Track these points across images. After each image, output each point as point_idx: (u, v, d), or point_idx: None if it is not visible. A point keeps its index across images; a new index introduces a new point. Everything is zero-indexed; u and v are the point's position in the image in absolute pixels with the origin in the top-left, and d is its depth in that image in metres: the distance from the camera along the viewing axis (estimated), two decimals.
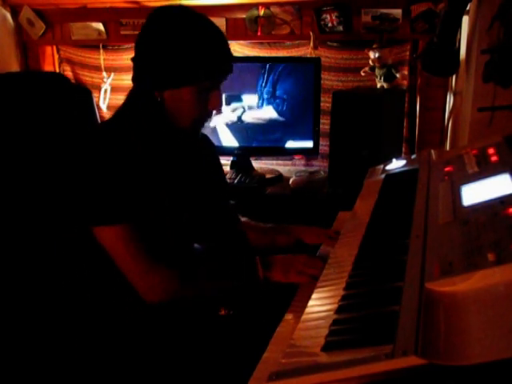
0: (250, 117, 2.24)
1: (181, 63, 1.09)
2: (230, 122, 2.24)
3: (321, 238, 1.28)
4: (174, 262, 1.10)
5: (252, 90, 2.21)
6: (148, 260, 1.07)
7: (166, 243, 1.14)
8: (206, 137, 1.38)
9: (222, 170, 1.44)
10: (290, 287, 1.07)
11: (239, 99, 2.23)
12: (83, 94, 1.57)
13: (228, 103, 2.21)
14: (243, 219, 1.46)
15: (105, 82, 2.48)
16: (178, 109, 1.14)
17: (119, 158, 1.07)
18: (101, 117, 2.37)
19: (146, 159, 1.12)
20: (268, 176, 2.24)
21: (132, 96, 1.17)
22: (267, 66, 2.18)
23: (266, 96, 2.21)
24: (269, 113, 2.23)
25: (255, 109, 2.23)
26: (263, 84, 2.20)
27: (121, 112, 1.17)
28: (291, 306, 0.97)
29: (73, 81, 2.57)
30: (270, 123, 2.23)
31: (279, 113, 2.22)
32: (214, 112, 1.19)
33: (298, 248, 1.32)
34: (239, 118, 2.24)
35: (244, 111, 2.24)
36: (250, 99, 2.22)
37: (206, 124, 1.21)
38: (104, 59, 2.46)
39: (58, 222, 1.25)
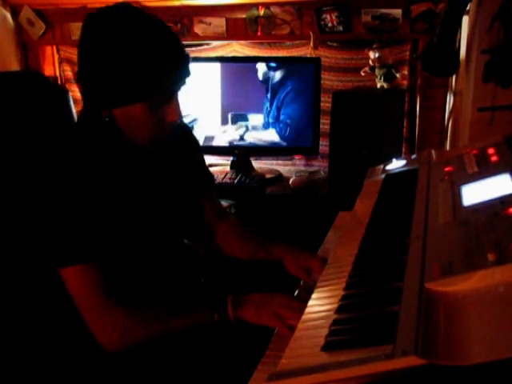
0: (252, 137, 2.25)
1: (125, 78, 0.96)
2: (232, 140, 2.26)
3: (301, 274, 1.12)
4: (134, 301, 1.03)
5: (258, 109, 2.23)
6: (103, 306, 1.00)
7: (128, 281, 1.08)
8: (185, 130, 1.29)
9: (202, 164, 1.35)
10: (289, 286, 1.07)
11: (245, 118, 2.24)
12: (59, 94, 1.50)
13: (234, 121, 2.22)
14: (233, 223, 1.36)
15: None
16: (130, 126, 1.03)
17: (73, 190, 0.99)
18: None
19: (100, 185, 1.02)
20: (268, 176, 2.24)
21: (79, 118, 1.11)
22: (273, 87, 2.18)
23: (271, 120, 2.23)
24: (271, 136, 2.25)
25: (259, 129, 2.25)
26: (268, 106, 2.21)
27: (73, 138, 1.08)
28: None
29: (73, 81, 2.57)
30: (271, 145, 2.25)
31: (281, 137, 2.24)
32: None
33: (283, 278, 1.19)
34: (241, 137, 2.26)
35: (247, 130, 2.25)
36: (255, 119, 2.23)
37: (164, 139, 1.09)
38: None
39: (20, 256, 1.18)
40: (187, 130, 1.33)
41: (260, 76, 2.20)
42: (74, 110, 1.50)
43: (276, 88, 2.19)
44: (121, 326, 1.00)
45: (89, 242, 1.00)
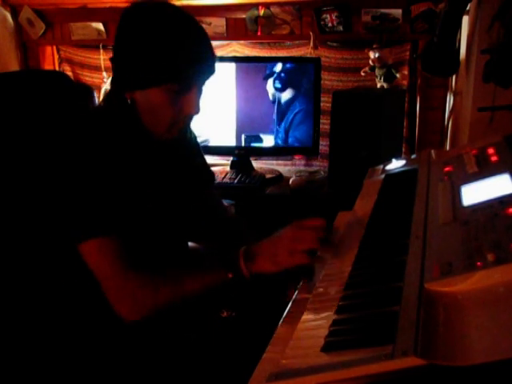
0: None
1: (144, 62, 1.03)
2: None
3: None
4: (152, 268, 1.03)
5: (269, 131, 2.25)
6: (125, 274, 1.00)
7: (148, 249, 1.09)
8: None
9: (202, 159, 1.37)
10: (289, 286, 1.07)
11: (259, 140, 2.25)
12: (84, 92, 1.54)
13: (247, 143, 2.24)
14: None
15: (105, 82, 2.48)
16: (149, 112, 1.08)
17: (94, 168, 1.02)
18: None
19: (119, 164, 1.05)
20: (268, 176, 2.24)
21: (105, 98, 1.15)
22: (281, 108, 2.20)
23: (280, 142, 2.24)
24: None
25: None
26: (277, 127, 2.23)
27: (94, 115, 1.14)
28: (291, 305, 0.97)
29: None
30: (271, 145, 2.27)
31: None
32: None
33: None
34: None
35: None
36: (266, 140, 2.25)
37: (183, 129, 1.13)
38: (104, 59, 2.46)
39: (38, 235, 1.18)
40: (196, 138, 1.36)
41: (270, 97, 2.20)
42: None
43: (284, 109, 2.20)
44: (140, 294, 1.00)
45: (107, 215, 1.01)
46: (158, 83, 1.03)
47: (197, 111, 1.09)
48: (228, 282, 1.01)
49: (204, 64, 1.06)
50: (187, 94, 1.06)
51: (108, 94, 1.14)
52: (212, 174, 1.42)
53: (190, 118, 1.12)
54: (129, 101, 1.07)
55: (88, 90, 1.55)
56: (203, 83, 1.09)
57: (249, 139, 2.23)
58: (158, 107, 1.06)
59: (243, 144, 2.24)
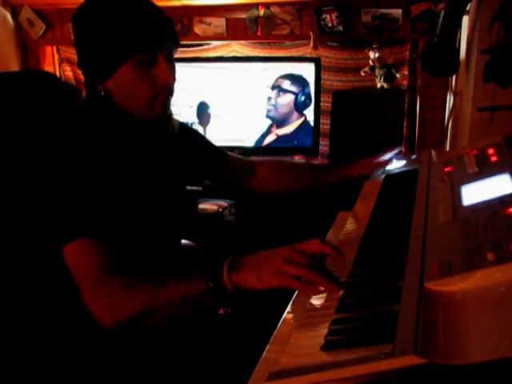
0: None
1: (100, 47, 1.04)
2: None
3: (371, 167, 1.37)
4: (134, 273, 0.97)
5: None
6: (103, 278, 0.95)
7: (138, 248, 1.07)
8: (183, 125, 1.36)
9: (210, 144, 1.44)
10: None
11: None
12: (71, 92, 1.52)
13: None
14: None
15: None
16: (124, 95, 1.07)
17: (78, 167, 1.01)
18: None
19: (106, 161, 1.04)
20: None
21: (82, 99, 1.17)
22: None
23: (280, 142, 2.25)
24: None
25: None
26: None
27: (74, 115, 1.13)
28: (291, 305, 0.97)
29: (73, 81, 2.57)
30: (271, 145, 2.29)
31: None
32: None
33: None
34: None
35: None
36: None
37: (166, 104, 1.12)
38: None
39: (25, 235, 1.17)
40: (184, 125, 1.39)
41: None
42: None
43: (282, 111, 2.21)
44: (114, 301, 0.94)
45: (93, 216, 0.99)
46: (122, 60, 1.03)
47: (172, 80, 1.09)
48: (208, 291, 0.92)
49: (160, 30, 1.05)
50: (156, 64, 1.06)
51: (85, 96, 1.15)
52: (221, 150, 1.47)
53: (169, 91, 1.10)
54: (102, 93, 1.07)
55: (75, 90, 1.53)
56: (169, 52, 1.08)
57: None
58: (131, 86, 1.06)
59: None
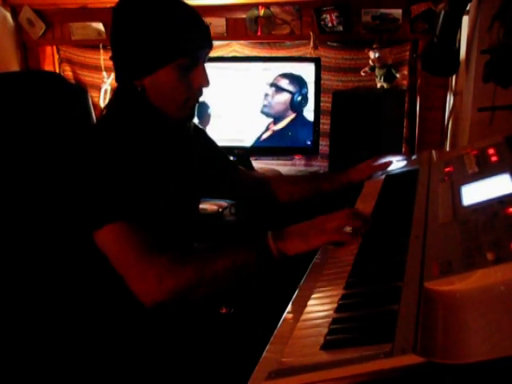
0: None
1: (145, 46, 1.06)
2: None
3: (369, 169, 1.38)
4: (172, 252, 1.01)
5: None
6: (145, 258, 0.98)
7: (165, 236, 1.07)
8: (197, 128, 1.38)
9: (216, 147, 1.47)
10: (290, 285, 1.07)
11: None
12: (78, 92, 1.55)
13: None
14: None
15: (105, 82, 2.48)
16: (161, 94, 1.10)
17: (109, 159, 1.04)
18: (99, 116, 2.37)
19: (136, 154, 1.08)
20: None
21: (115, 93, 1.17)
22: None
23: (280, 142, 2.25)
24: None
25: None
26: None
27: (106, 111, 1.17)
28: (291, 305, 0.97)
29: (73, 81, 2.57)
30: (271, 145, 2.28)
31: None
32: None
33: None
34: None
35: None
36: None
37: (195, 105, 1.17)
38: (104, 59, 2.46)
39: (54, 227, 1.21)
40: (199, 128, 1.42)
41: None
42: (92, 110, 1.55)
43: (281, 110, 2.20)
44: (166, 274, 0.97)
45: (125, 200, 1.01)
46: (167, 62, 1.06)
47: (208, 84, 1.13)
48: (254, 263, 0.99)
49: (202, 37, 1.10)
50: (196, 67, 1.10)
51: (116, 90, 1.16)
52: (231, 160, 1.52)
53: (200, 93, 1.15)
54: (139, 89, 1.09)
55: (82, 91, 1.55)
56: (205, 56, 1.13)
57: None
58: (169, 86, 1.09)
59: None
